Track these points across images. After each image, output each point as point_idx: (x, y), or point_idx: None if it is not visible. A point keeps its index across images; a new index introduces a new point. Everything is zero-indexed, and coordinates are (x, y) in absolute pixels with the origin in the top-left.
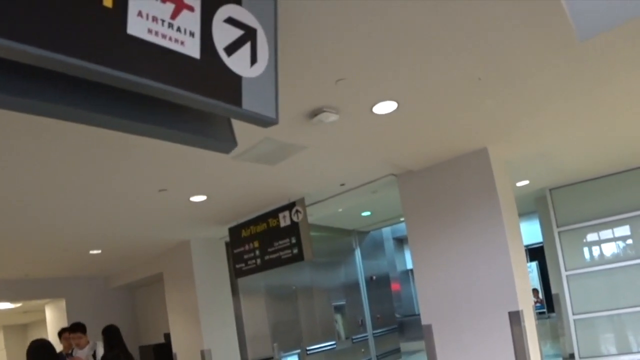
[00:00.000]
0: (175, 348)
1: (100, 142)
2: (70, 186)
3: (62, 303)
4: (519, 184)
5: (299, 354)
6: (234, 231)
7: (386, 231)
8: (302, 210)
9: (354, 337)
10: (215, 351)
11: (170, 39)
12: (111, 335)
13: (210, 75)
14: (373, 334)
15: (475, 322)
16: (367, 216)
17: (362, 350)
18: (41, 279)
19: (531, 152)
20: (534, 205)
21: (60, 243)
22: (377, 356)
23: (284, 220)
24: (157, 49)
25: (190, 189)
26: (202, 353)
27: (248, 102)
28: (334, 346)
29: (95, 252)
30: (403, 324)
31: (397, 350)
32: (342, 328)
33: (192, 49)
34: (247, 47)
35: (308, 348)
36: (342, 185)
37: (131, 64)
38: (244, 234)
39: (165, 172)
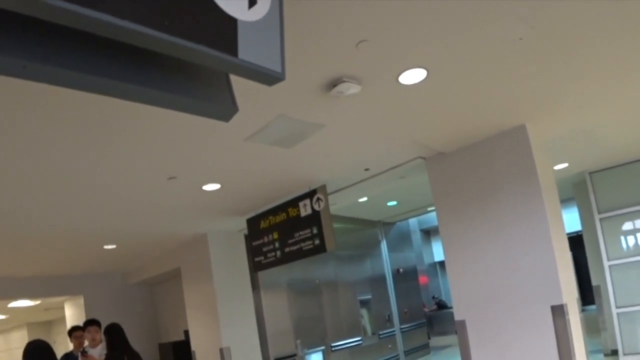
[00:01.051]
0: (194, 346)
1: (102, 126)
2: (73, 176)
3: (81, 300)
4: (556, 167)
5: (323, 351)
6: (252, 222)
7: (413, 222)
8: (323, 198)
9: (380, 333)
10: (234, 349)
11: None
12: (113, 334)
13: (196, 15)
14: (400, 329)
15: (514, 317)
16: (393, 206)
17: (389, 346)
18: (58, 276)
19: (573, 129)
20: (571, 191)
21: (72, 238)
22: (404, 352)
23: (305, 210)
24: None
25: (201, 176)
26: (221, 351)
27: (245, 51)
28: (360, 342)
29: (109, 247)
30: (431, 318)
31: (426, 346)
32: (368, 323)
33: None
34: None
35: (333, 344)
36: (367, 170)
37: None
38: (263, 225)
39: (173, 157)
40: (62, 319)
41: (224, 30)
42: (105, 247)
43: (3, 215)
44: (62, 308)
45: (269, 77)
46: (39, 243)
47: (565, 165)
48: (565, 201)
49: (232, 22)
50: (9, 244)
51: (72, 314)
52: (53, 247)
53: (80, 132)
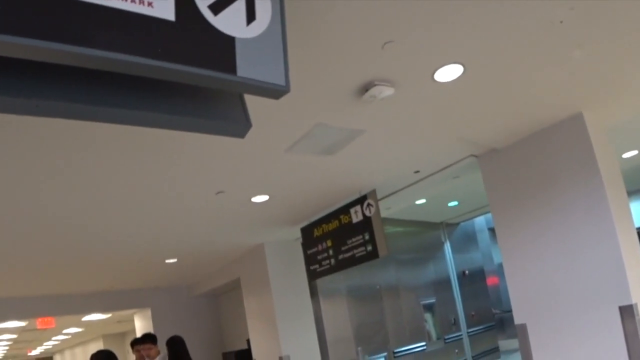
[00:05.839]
0: (255, 354)
1: (151, 151)
2: (125, 197)
3: (148, 312)
4: (625, 156)
5: (385, 357)
6: (306, 231)
7: (479, 221)
8: (374, 203)
9: (446, 337)
10: (294, 357)
11: (132, 0)
12: (175, 347)
13: (191, 39)
14: (468, 332)
15: (579, 319)
16: (455, 206)
17: (456, 350)
18: (126, 290)
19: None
20: None
21: (134, 255)
22: (473, 356)
23: (356, 216)
24: (116, 13)
25: (249, 189)
26: (281, 359)
27: (245, 68)
28: (424, 348)
29: (171, 261)
30: (502, 320)
31: (496, 349)
32: (433, 328)
33: (163, 10)
34: (240, 2)
35: (395, 350)
36: (417, 172)
37: (84, 35)
38: (316, 233)
39: (218, 173)
40: (134, 330)
41: (221, 50)
42: (167, 261)
43: (76, 239)
44: (133, 320)
45: (273, 91)
46: (106, 261)
47: (635, 152)
48: (638, 192)
49: (230, 40)
50: (82, 263)
51: (141, 326)
52: (119, 263)
53: (134, 158)
